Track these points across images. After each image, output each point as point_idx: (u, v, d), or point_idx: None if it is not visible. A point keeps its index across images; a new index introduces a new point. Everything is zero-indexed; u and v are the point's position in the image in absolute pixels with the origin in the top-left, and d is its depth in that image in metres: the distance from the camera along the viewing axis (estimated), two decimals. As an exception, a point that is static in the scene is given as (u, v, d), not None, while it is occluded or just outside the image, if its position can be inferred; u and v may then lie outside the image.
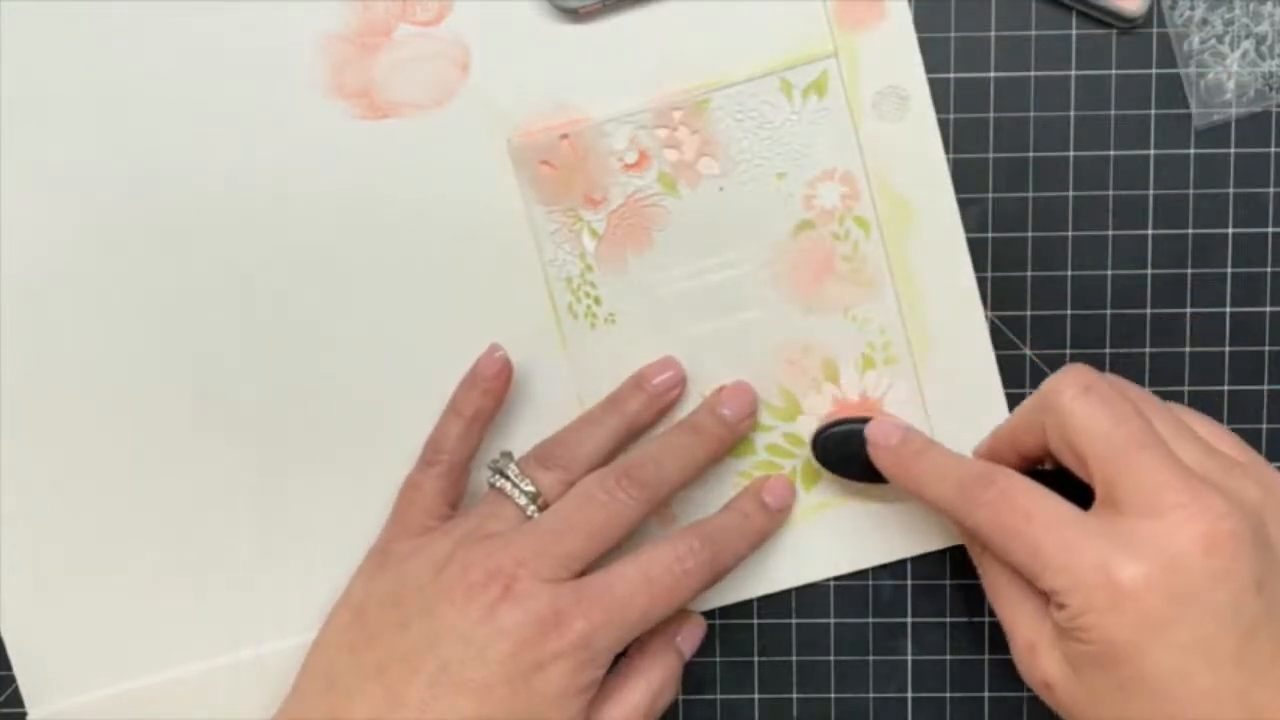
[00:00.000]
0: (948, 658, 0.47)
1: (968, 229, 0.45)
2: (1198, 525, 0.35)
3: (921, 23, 0.45)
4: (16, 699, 0.47)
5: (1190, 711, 0.35)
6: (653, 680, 0.42)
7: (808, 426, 0.46)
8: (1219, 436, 0.40)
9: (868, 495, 0.46)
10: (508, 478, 0.43)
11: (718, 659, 0.47)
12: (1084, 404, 0.38)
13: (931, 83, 0.45)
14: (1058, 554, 0.36)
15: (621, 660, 0.42)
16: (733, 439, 0.45)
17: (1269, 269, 0.46)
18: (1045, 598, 0.38)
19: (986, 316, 0.46)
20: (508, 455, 0.44)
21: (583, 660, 0.39)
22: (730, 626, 0.47)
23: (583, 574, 0.41)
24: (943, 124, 0.45)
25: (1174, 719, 0.35)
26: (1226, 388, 0.46)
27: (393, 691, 0.39)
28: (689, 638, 0.44)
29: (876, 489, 0.45)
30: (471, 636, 0.39)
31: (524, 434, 0.45)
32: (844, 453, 0.45)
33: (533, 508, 0.42)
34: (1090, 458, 0.37)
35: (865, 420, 0.44)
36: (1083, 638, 0.36)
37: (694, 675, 0.47)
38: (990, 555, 0.40)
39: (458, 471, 0.44)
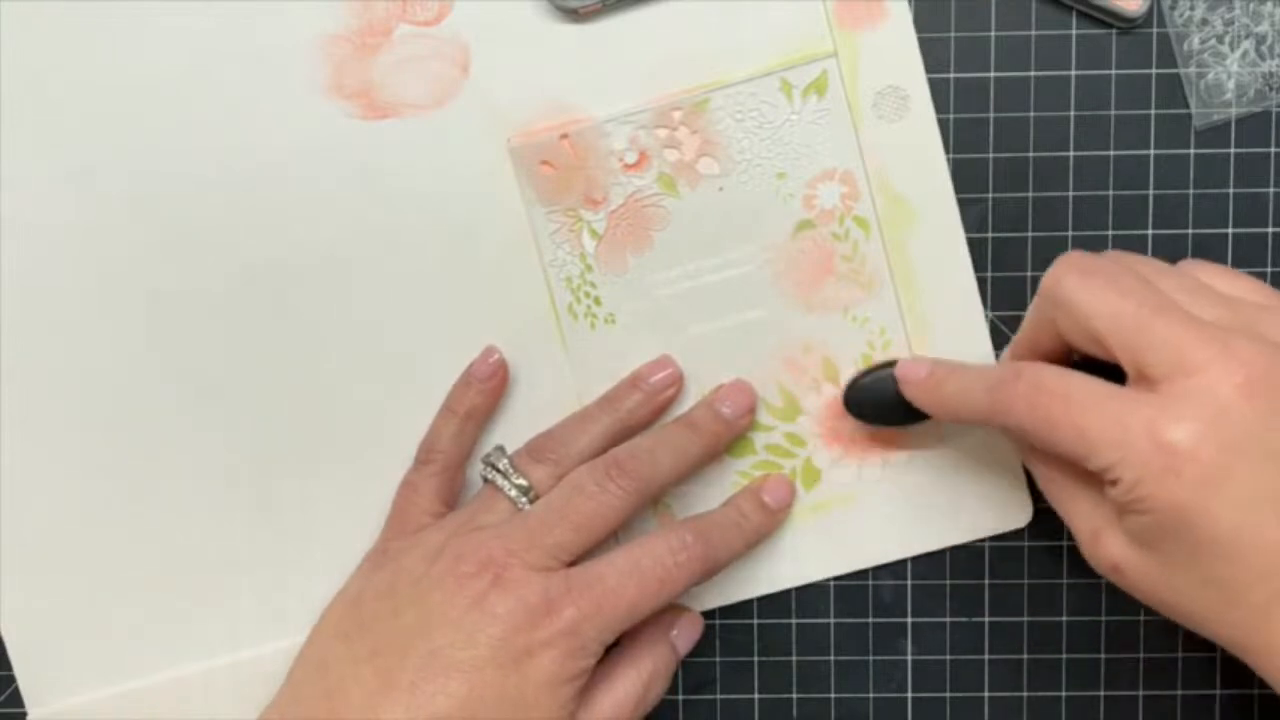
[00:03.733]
0: (948, 658, 0.47)
1: (968, 229, 0.45)
2: (1234, 375, 0.34)
3: (921, 23, 0.45)
4: (16, 699, 0.47)
5: (1265, 564, 0.34)
6: (644, 671, 0.42)
7: (807, 427, 0.46)
8: (1236, 283, 0.39)
9: (877, 484, 0.46)
10: (500, 472, 0.43)
11: (718, 659, 0.47)
12: (1088, 289, 0.37)
13: (931, 83, 0.45)
14: (1103, 430, 0.35)
15: (614, 650, 0.42)
16: (730, 436, 0.45)
17: (1269, 269, 0.46)
18: (1100, 480, 0.36)
19: (986, 316, 0.46)
20: (500, 450, 0.44)
21: (572, 648, 0.39)
22: (730, 626, 0.47)
23: (574, 564, 0.41)
24: (943, 124, 0.45)
25: (1250, 575, 0.34)
26: (1227, 388, 0.46)
27: (384, 675, 0.39)
28: (685, 633, 0.44)
29: (909, 435, 0.45)
30: (462, 622, 0.39)
31: (524, 434, 0.45)
32: (876, 399, 0.44)
33: (524, 501, 0.42)
34: (1109, 338, 0.36)
35: (891, 364, 0.44)
36: (1143, 508, 0.35)
37: (694, 675, 0.47)
38: (1040, 453, 0.39)
39: (453, 470, 0.44)
